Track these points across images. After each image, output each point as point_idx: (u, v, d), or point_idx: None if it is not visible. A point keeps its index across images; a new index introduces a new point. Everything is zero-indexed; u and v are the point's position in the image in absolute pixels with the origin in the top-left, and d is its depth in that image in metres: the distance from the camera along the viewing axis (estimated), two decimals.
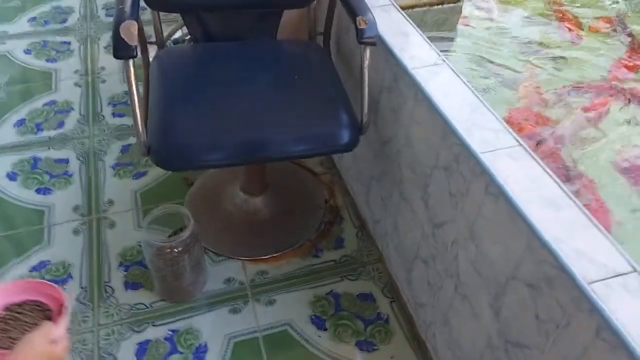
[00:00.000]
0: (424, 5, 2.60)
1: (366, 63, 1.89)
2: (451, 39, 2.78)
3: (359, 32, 1.80)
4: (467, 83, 1.77)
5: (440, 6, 2.64)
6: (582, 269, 1.21)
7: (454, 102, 1.70)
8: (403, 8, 2.57)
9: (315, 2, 2.23)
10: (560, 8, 3.15)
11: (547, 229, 1.30)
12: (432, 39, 1.97)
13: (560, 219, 1.34)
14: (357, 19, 1.81)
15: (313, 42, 2.34)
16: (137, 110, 1.74)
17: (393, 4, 2.16)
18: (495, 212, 1.46)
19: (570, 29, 2.99)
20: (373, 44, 1.83)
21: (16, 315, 1.18)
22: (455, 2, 2.66)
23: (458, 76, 1.80)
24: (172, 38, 3.05)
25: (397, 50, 1.90)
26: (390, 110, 2.00)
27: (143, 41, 2.14)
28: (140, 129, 1.76)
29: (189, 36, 2.42)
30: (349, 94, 2.07)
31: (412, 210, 1.96)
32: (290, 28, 2.43)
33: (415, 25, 2.04)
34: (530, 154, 1.52)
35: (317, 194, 2.61)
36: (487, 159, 1.49)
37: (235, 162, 1.97)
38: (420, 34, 2.00)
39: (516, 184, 1.43)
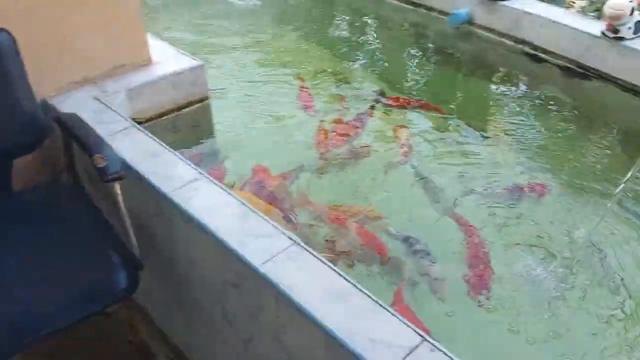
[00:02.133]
0: (172, 111, 2.57)
1: (120, 198, 1.75)
2: None
3: (100, 171, 1.66)
4: (230, 192, 1.75)
5: (188, 108, 2.63)
6: (379, 356, 1.23)
7: (221, 216, 1.66)
8: (149, 120, 2.52)
9: (44, 143, 2.02)
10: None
11: (339, 325, 1.31)
12: None
13: (349, 309, 1.36)
14: (94, 157, 1.66)
15: (60, 183, 2.12)
16: None
17: (134, 125, 2.07)
18: (290, 319, 1.44)
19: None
20: (120, 179, 1.70)
21: None
22: (202, 101, 2.67)
23: (220, 187, 1.78)
24: None
25: (150, 175, 1.80)
26: (165, 236, 1.88)
27: None
28: None
29: None
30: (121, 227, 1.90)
31: (219, 330, 1.84)
32: (28, 172, 2.17)
33: (162, 142, 1.97)
34: (305, 248, 1.54)
35: (116, 338, 2.32)
36: (268, 270, 1.47)
37: None
38: (170, 150, 1.94)
39: (302, 285, 1.42)
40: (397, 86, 3.42)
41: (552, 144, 2.87)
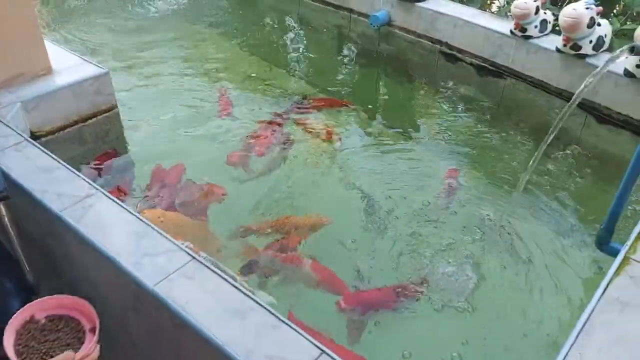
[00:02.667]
0: (75, 123, 2.42)
1: (6, 219, 1.63)
2: None
3: None
4: (127, 208, 1.65)
5: (95, 119, 2.49)
6: None
7: (116, 233, 1.56)
8: (51, 132, 2.37)
9: None
10: None
11: (235, 343, 1.25)
12: None
13: (248, 327, 1.30)
14: None
15: None
16: None
17: (27, 139, 1.93)
18: (188, 340, 1.36)
19: None
20: (4, 199, 1.57)
21: (55, 327, 1.34)
22: (110, 111, 2.54)
23: (117, 203, 1.68)
24: None
25: (38, 193, 1.68)
26: (62, 258, 1.76)
27: None
28: None
29: None
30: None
31: (129, 356, 1.74)
32: None
33: (56, 157, 1.85)
34: (204, 264, 1.47)
35: None
36: (162, 290, 1.39)
37: None
38: (65, 166, 1.81)
39: (198, 303, 1.35)
40: (322, 89, 3.41)
41: (467, 139, 2.93)
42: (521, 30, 2.94)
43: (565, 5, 2.71)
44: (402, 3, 3.53)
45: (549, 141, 1.99)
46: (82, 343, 1.32)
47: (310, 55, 3.91)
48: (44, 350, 1.29)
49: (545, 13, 2.92)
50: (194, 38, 4.02)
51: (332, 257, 2.17)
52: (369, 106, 3.35)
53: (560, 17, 2.64)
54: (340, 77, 3.67)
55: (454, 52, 3.38)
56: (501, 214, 2.38)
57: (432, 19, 3.40)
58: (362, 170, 2.68)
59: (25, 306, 1.37)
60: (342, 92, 3.43)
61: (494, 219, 2.37)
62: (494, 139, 2.98)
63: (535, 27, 2.91)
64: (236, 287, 1.41)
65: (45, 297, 1.40)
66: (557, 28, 3.02)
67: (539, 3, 2.86)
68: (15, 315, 1.34)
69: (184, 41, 3.92)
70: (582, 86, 1.83)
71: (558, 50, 2.81)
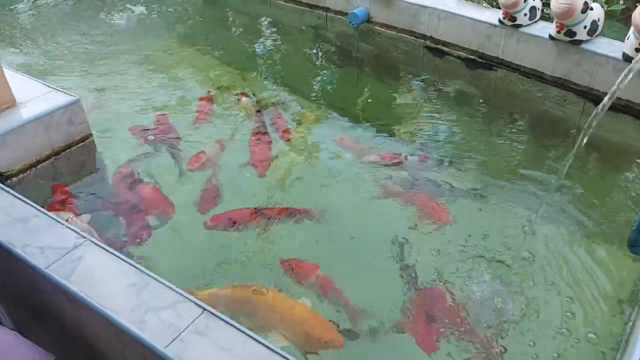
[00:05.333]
0: (49, 157, 2.22)
1: None
2: None
3: None
4: (123, 257, 1.48)
5: (69, 150, 2.29)
6: None
7: (113, 289, 1.39)
8: (23, 171, 2.17)
9: None
10: None
11: None
12: None
13: None
14: None
15: None
16: None
17: (1, 187, 1.72)
18: None
19: None
20: None
21: None
22: (85, 140, 2.34)
23: (110, 252, 1.50)
24: None
25: (19, 249, 1.49)
26: (55, 318, 1.57)
27: None
28: None
29: None
30: None
31: None
32: None
33: (33, 203, 1.65)
34: (217, 316, 1.31)
35: None
36: (175, 352, 1.22)
37: None
38: (46, 213, 1.62)
39: None
40: (301, 92, 3.23)
41: (464, 137, 2.81)
42: (510, 19, 2.84)
43: None
44: None
45: (583, 143, 1.84)
46: None
47: (285, 59, 3.73)
48: None
49: (534, 0, 2.82)
50: (164, 48, 3.79)
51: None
52: (352, 108, 3.18)
53: (553, 4, 2.53)
54: (318, 80, 3.51)
55: (440, 46, 3.26)
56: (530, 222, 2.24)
57: (414, 13, 3.27)
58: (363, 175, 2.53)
59: None
60: (322, 96, 3.26)
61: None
62: (490, 133, 2.86)
63: (525, 15, 2.80)
64: (255, 339, 1.25)
65: None
66: (547, 15, 2.93)
67: None
68: None
69: (152, 54, 3.68)
70: (615, 86, 1.71)
71: (551, 37, 2.71)
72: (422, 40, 3.33)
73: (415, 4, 3.25)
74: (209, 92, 3.17)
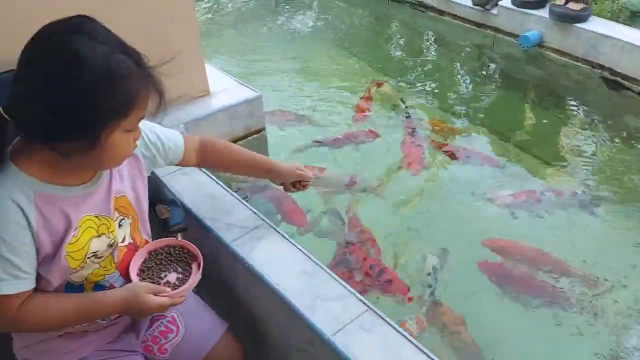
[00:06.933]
0: None
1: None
2: None
3: (162, 223, 1.54)
4: (296, 244, 1.61)
5: (244, 140, 2.52)
6: None
7: (286, 271, 1.51)
8: None
9: None
10: None
11: None
12: None
13: None
14: (157, 208, 1.55)
15: None
16: None
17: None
18: None
19: None
20: (183, 231, 1.57)
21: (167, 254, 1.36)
22: (259, 132, 2.56)
23: (285, 237, 1.63)
24: None
25: (209, 222, 1.68)
26: (230, 290, 1.74)
27: None
28: None
29: None
30: None
31: None
32: None
33: (224, 185, 1.85)
34: (381, 317, 1.38)
35: None
36: (340, 342, 1.31)
37: None
38: (232, 194, 1.81)
39: None
40: (452, 110, 3.22)
41: (627, 178, 2.61)
42: None
43: None
44: (558, 23, 3.26)
45: None
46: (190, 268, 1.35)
47: (445, 75, 3.73)
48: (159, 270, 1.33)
49: None
50: (328, 58, 4.00)
51: None
52: (510, 134, 3.10)
53: None
54: (480, 101, 3.46)
55: (618, 79, 3.06)
56: None
57: (594, 42, 3.10)
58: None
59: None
60: (479, 116, 3.22)
61: None
62: None
63: None
64: (418, 346, 1.29)
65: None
66: None
67: None
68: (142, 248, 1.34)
69: (315, 62, 3.90)
70: None
71: None
72: (599, 71, 3.14)
73: (597, 33, 3.09)
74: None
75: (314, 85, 3.55)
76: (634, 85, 2.97)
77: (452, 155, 2.78)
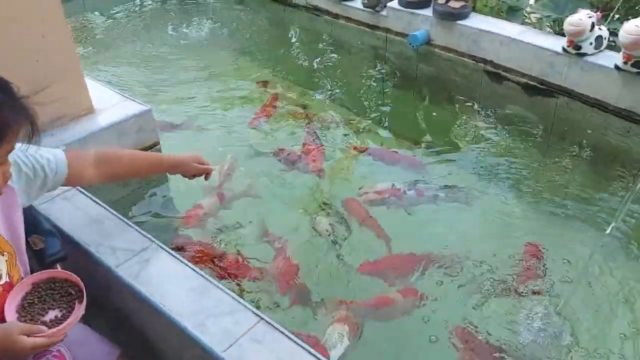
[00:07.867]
0: None
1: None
2: None
3: (38, 255, 1.44)
4: (186, 262, 1.56)
5: None
6: None
7: (176, 291, 1.47)
8: None
9: None
10: None
11: None
12: None
13: None
14: (30, 239, 1.43)
15: None
16: None
17: (78, 189, 1.84)
18: None
19: None
20: (62, 260, 1.48)
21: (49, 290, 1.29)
22: (153, 147, 2.47)
23: (174, 256, 1.58)
24: None
25: (93, 248, 1.60)
26: (119, 315, 1.66)
27: None
28: None
29: None
30: None
31: None
32: None
33: (106, 206, 1.77)
34: (273, 326, 1.37)
35: None
36: (231, 358, 1.29)
37: None
38: (117, 215, 1.73)
39: None
40: (360, 113, 3.30)
41: (524, 163, 2.78)
42: (575, 47, 2.80)
43: (627, 21, 2.55)
44: (442, 21, 3.42)
45: None
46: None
47: (343, 77, 3.79)
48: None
49: (600, 29, 2.77)
50: (223, 64, 3.95)
51: None
52: (408, 130, 3.21)
53: (621, 34, 2.50)
54: (376, 100, 3.55)
55: (500, 71, 3.25)
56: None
57: (475, 37, 3.28)
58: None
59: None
60: (379, 116, 3.31)
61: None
62: (554, 162, 2.82)
63: (591, 44, 2.76)
64: (311, 353, 1.29)
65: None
66: (613, 43, 2.88)
67: (594, 19, 2.71)
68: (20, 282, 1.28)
69: (214, 69, 3.84)
70: None
71: (617, 68, 2.66)
72: (482, 65, 3.32)
73: (477, 29, 3.26)
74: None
75: (213, 93, 3.49)
76: (513, 76, 3.17)
77: (356, 152, 2.85)
